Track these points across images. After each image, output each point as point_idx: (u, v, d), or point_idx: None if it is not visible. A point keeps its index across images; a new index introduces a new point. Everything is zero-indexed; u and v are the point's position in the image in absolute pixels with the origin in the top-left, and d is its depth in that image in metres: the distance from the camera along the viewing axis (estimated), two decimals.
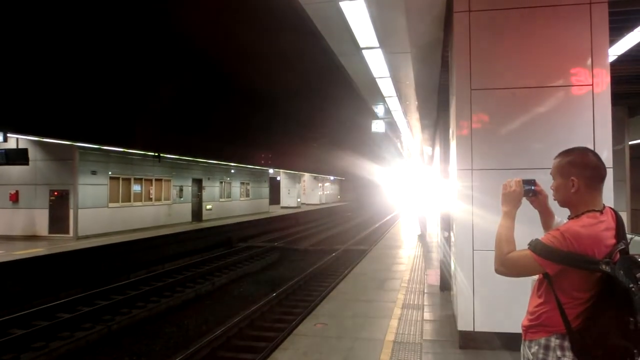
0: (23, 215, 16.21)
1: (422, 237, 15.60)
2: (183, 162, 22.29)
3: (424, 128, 15.18)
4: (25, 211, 16.22)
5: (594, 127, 4.53)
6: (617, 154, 7.78)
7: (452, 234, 6.09)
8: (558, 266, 1.81)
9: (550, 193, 2.09)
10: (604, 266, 1.73)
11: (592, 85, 4.56)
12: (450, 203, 6.09)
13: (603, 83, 4.55)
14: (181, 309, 10.19)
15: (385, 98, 10.66)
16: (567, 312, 1.82)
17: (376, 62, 7.68)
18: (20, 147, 15.10)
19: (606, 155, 4.29)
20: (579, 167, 1.92)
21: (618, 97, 8.93)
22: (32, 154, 15.08)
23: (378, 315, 6.45)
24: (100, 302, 9.92)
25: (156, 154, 19.08)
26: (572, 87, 4.63)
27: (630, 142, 10.99)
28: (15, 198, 16.25)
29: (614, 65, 6.61)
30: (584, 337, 1.77)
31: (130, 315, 9.26)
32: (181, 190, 22.27)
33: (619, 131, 10.06)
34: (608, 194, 2.01)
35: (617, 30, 6.21)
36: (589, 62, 4.57)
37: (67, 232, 15.70)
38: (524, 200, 2.12)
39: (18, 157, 14.33)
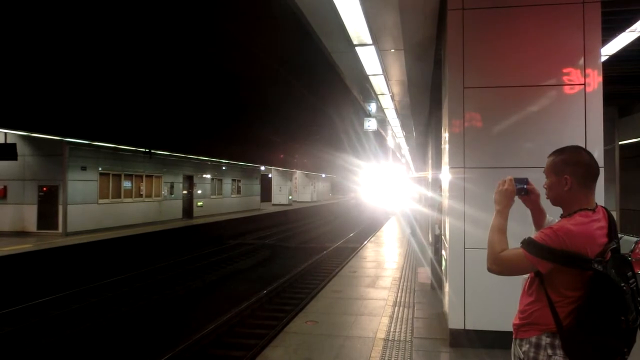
0: (11, 210, 16.02)
1: (413, 235, 15.64)
2: (174, 159, 22.16)
3: (417, 126, 15.20)
4: (13, 207, 16.04)
5: (585, 127, 4.55)
6: (607, 154, 7.83)
7: (443, 232, 6.10)
8: (550, 264, 1.80)
9: (542, 191, 2.08)
10: (596, 265, 1.72)
11: (584, 84, 4.58)
12: (442, 201, 6.10)
13: (595, 83, 4.56)
14: (169, 306, 10.11)
15: (378, 95, 10.65)
16: (558, 311, 1.81)
17: (369, 60, 7.65)
18: (8, 142, 14.91)
19: (597, 154, 4.29)
20: (573, 165, 1.91)
21: (608, 97, 9.00)
22: (20, 149, 14.90)
23: (369, 313, 6.45)
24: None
25: (147, 150, 18.94)
26: (565, 87, 4.64)
27: (620, 142, 11.09)
28: (3, 193, 16.07)
29: (605, 65, 6.65)
30: (575, 336, 1.77)
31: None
32: (172, 186, 22.15)
33: (609, 131, 10.15)
34: (598, 194, 2.00)
35: (609, 30, 6.25)
36: (582, 61, 4.58)
37: (56, 228, 15.55)
38: (517, 199, 2.11)
39: (6, 152, 14.14)
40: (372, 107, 12.21)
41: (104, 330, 8.38)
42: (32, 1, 13.73)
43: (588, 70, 4.57)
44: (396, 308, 6.68)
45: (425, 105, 11.74)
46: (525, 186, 2.11)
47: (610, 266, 1.73)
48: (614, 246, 1.81)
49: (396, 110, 12.51)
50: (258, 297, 9.71)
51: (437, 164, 8.28)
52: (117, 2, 16.09)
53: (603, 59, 6.74)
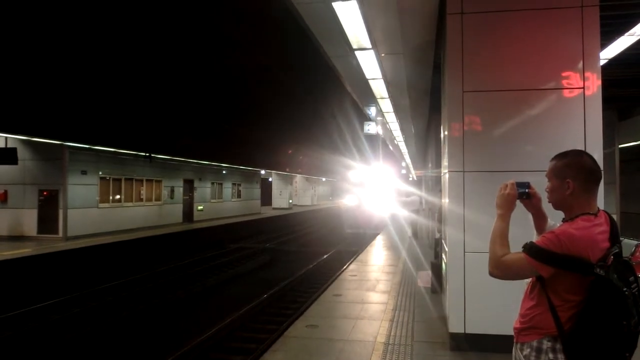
0: (11, 215, 16.01)
1: (413, 239, 15.63)
2: (174, 163, 22.17)
3: (416, 129, 15.22)
4: (13, 211, 16.02)
5: (585, 130, 4.55)
6: (607, 157, 7.84)
7: (443, 235, 6.09)
8: (552, 269, 1.79)
9: (544, 195, 2.08)
10: (598, 269, 1.72)
11: (584, 88, 4.58)
12: (442, 205, 6.10)
13: (594, 86, 4.57)
14: (170, 309, 10.10)
15: (378, 99, 10.66)
16: (559, 315, 1.81)
17: (369, 63, 7.67)
18: (9, 146, 14.91)
19: (597, 157, 4.23)
20: (575, 169, 1.91)
21: (608, 101, 9.01)
22: (21, 153, 14.89)
23: (369, 317, 6.44)
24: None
25: (147, 154, 18.95)
26: (564, 90, 4.65)
27: (620, 146, 11.09)
28: (3, 198, 16.05)
29: (604, 68, 6.66)
30: (576, 340, 1.76)
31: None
32: (172, 190, 22.14)
33: (609, 134, 10.16)
34: (598, 197, 2.00)
35: (608, 34, 6.27)
36: (581, 65, 4.59)
37: (57, 232, 15.53)
38: (518, 203, 2.10)
39: (6, 156, 14.14)
40: (372, 110, 12.24)
41: (105, 335, 8.36)
42: (33, 3, 13.76)
43: (587, 74, 4.58)
44: (396, 312, 6.67)
45: (425, 109, 11.76)
46: (527, 190, 2.10)
47: (612, 271, 1.72)
48: (616, 251, 1.80)
49: (396, 114, 12.53)
50: (258, 301, 9.70)
51: (437, 167, 8.29)
52: (117, 5, 16.13)
53: (602, 62, 6.77)
